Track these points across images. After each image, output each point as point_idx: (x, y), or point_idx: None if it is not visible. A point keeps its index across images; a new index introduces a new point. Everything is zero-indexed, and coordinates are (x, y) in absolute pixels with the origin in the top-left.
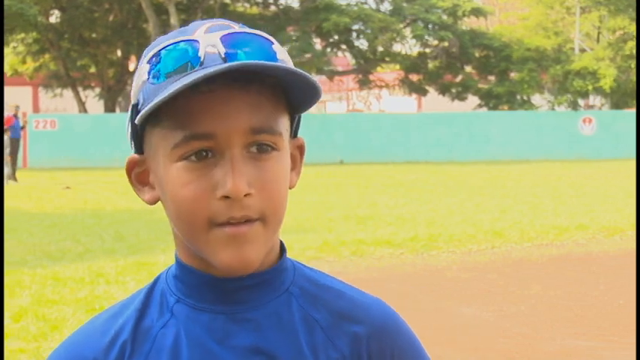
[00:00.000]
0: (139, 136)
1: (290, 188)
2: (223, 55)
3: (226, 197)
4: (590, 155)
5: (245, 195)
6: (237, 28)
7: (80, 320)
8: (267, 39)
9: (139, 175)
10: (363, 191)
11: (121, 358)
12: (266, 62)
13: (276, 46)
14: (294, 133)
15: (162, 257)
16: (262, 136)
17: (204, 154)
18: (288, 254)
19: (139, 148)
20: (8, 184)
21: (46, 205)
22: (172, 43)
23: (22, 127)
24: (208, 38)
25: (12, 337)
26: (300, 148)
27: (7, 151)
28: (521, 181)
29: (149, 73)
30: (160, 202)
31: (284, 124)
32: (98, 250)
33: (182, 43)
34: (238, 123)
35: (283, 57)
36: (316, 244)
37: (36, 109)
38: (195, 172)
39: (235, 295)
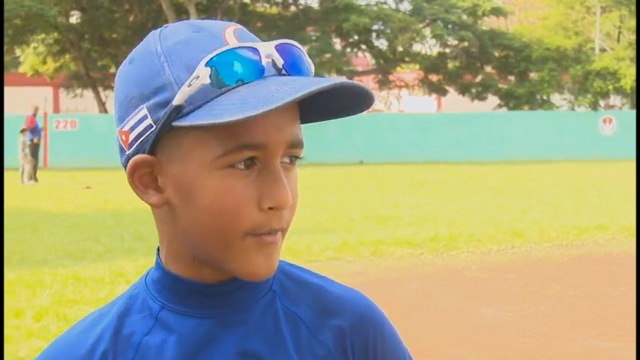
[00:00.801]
0: (157, 137)
1: None
2: (280, 66)
3: (271, 208)
4: (610, 155)
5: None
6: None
7: None
8: (302, 49)
9: (142, 176)
10: (383, 191)
11: None
12: (362, 85)
13: (307, 56)
14: None
15: None
16: (296, 150)
17: (250, 163)
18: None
19: (151, 149)
20: (29, 184)
21: (66, 205)
22: (232, 49)
23: (41, 128)
24: (266, 47)
25: (33, 336)
26: None
27: (25, 151)
28: (542, 181)
29: (211, 77)
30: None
31: None
32: (118, 249)
33: (244, 50)
34: (286, 135)
35: (310, 66)
36: (336, 245)
37: (56, 109)
38: (239, 180)
39: (225, 298)
